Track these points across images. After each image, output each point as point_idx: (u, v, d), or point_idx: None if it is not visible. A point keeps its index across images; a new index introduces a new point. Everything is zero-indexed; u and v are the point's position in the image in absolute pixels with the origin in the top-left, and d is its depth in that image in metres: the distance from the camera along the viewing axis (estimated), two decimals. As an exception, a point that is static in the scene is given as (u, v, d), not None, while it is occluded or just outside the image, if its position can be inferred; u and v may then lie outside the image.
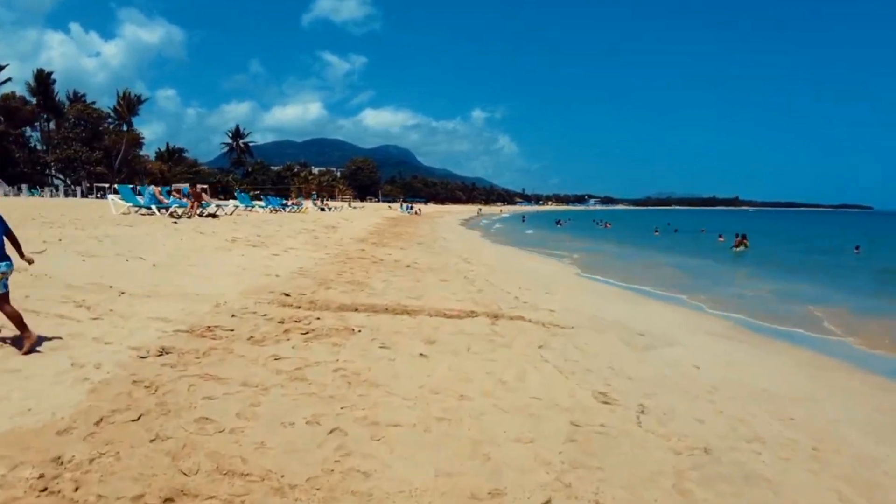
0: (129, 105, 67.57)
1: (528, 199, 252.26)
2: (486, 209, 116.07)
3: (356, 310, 5.86)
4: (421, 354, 4.48)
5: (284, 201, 32.76)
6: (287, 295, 6.40)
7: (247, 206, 25.84)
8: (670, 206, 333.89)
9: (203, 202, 16.79)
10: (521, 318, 6.34)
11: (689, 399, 4.23)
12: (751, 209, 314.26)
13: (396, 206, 68.30)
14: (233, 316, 5.23)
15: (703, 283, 12.94)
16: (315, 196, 55.29)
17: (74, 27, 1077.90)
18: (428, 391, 3.68)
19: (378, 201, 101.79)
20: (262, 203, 28.84)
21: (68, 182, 59.40)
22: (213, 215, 16.44)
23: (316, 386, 3.63)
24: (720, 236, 30.67)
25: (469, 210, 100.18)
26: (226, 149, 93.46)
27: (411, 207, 61.15)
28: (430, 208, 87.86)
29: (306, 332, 4.82)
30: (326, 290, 6.98)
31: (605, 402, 3.85)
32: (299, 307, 5.82)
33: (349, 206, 56.67)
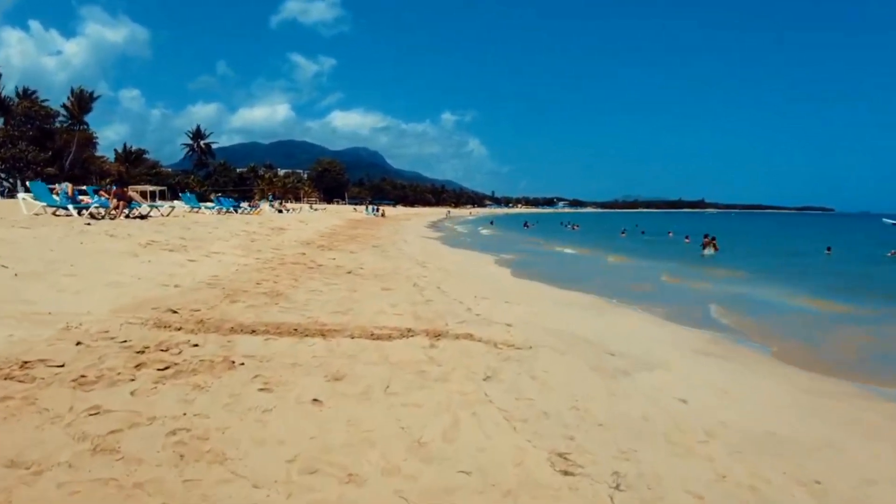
0: (81, 102, 64.03)
1: (497, 201, 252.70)
2: (456, 211, 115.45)
3: (253, 332, 4.58)
4: (314, 400, 3.23)
5: (237, 203, 30.87)
6: (174, 312, 5.09)
7: (193, 208, 24.02)
8: (637, 208, 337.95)
9: (132, 202, 15.16)
10: (470, 337, 5.17)
11: (679, 455, 3.11)
12: (713, 211, 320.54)
13: (362, 208, 66.56)
14: (78, 344, 3.90)
15: (675, 289, 12.02)
16: (272, 197, 52.98)
17: (34, 25, 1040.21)
18: (299, 469, 2.42)
19: (345, 203, 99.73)
20: (210, 204, 26.97)
21: (17, 183, 56.05)
22: (143, 216, 14.85)
23: (125, 463, 2.36)
24: (686, 238, 30.24)
25: (438, 212, 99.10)
26: (187, 150, 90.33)
27: (377, 209, 59.53)
28: (398, 210, 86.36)
29: (165, 368, 3.53)
30: (231, 303, 5.67)
31: (566, 473, 2.69)
32: (180, 328, 4.50)
33: (310, 207, 54.63)
